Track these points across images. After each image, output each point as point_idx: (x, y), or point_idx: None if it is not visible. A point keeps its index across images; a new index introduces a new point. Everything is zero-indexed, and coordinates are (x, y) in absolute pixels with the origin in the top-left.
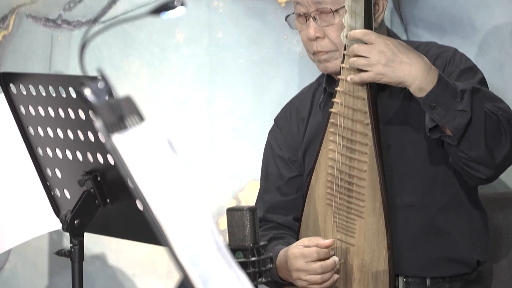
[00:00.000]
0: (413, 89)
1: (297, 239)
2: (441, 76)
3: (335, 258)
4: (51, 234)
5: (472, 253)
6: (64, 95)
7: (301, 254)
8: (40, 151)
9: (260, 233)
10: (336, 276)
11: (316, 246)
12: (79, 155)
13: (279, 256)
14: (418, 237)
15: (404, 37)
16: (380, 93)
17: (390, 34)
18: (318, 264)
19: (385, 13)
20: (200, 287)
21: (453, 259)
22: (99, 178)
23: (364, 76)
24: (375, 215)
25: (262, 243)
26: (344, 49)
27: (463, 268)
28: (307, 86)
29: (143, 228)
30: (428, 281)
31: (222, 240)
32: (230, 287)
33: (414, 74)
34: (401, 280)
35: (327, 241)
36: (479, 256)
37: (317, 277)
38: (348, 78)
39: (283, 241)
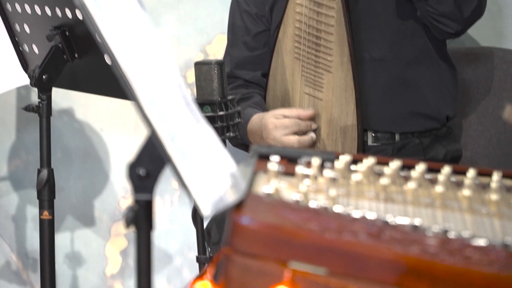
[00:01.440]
0: None
1: (265, 95)
2: None
3: (312, 135)
4: (18, 89)
5: (441, 107)
6: None
7: (281, 124)
8: (8, 6)
9: (228, 92)
10: None
11: (298, 117)
12: (47, 10)
13: (252, 121)
14: (386, 91)
15: None
16: None
17: None
18: (296, 138)
19: None
20: (167, 143)
21: (422, 113)
22: (67, 33)
23: None
24: (343, 70)
25: (230, 97)
26: None
27: (433, 123)
28: None
29: (111, 83)
30: (397, 136)
31: (189, 94)
32: (197, 142)
33: None
34: (370, 135)
35: (309, 112)
36: (448, 110)
37: None
38: None
39: (251, 102)
